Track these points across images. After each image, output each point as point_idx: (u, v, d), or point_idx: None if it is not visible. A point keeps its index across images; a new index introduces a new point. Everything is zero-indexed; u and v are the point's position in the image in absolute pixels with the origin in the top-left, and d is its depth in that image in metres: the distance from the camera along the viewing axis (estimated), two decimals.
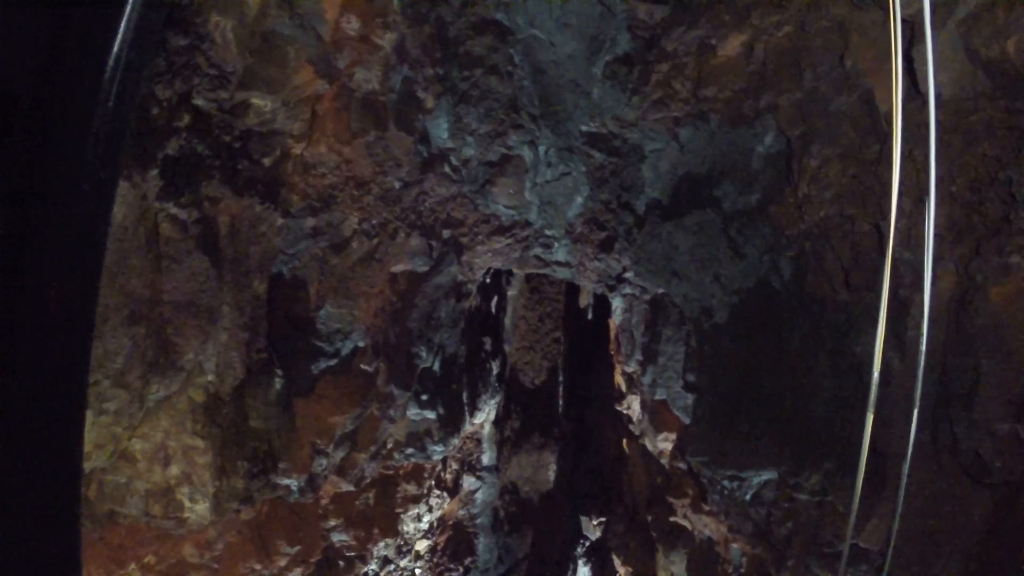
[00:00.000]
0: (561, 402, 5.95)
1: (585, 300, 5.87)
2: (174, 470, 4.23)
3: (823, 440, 4.01)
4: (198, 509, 4.28)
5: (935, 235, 3.63)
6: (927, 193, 3.20)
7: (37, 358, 1.55)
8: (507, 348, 5.91)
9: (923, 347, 3.18)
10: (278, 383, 4.52)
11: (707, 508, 4.71)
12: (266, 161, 4.26)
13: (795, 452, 4.13)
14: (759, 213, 4.37)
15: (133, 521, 4.20)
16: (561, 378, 5.95)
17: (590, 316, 5.92)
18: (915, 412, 3.31)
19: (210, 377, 4.26)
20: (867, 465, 3.11)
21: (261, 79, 4.11)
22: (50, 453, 1.60)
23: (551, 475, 5.87)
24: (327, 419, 4.70)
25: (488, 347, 5.60)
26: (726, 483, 4.45)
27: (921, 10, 3.33)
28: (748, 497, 4.35)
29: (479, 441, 5.81)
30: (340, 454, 4.81)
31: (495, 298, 5.75)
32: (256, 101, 4.13)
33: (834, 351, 3.97)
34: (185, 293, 4.12)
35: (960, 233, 3.64)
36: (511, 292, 5.89)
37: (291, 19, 4.15)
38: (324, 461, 4.70)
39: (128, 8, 1.51)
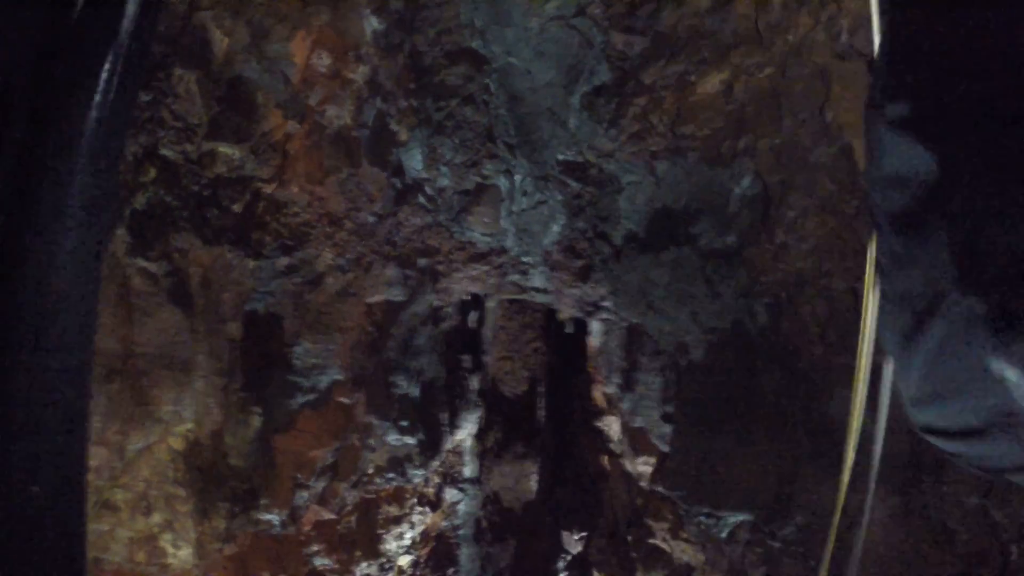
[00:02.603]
0: (543, 413, 5.98)
1: (565, 314, 5.85)
2: (156, 518, 4.27)
3: (796, 493, 4.07)
4: (181, 555, 4.33)
5: None
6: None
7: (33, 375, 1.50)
8: (487, 360, 5.91)
9: (884, 413, 3.19)
10: (257, 421, 4.53)
11: (685, 535, 4.79)
12: (236, 207, 4.19)
13: (769, 499, 4.19)
14: (735, 255, 4.34)
15: (117, 567, 4.26)
16: (542, 389, 5.97)
17: (570, 330, 5.91)
18: (873, 477, 3.35)
19: (188, 425, 4.27)
20: (839, 526, 3.15)
21: (228, 128, 4.01)
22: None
23: (533, 485, 5.94)
24: (307, 453, 4.72)
25: (468, 364, 5.59)
26: (702, 518, 4.52)
27: None
28: (724, 535, 4.43)
29: (460, 454, 5.86)
30: (321, 485, 4.85)
31: (474, 313, 5.73)
32: (224, 150, 4.04)
33: (808, 406, 3.99)
34: (158, 346, 4.10)
35: None
36: (490, 304, 5.87)
37: (259, 63, 4.03)
38: (305, 494, 4.75)
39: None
